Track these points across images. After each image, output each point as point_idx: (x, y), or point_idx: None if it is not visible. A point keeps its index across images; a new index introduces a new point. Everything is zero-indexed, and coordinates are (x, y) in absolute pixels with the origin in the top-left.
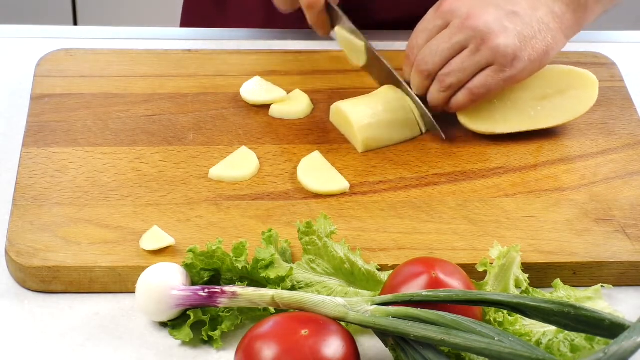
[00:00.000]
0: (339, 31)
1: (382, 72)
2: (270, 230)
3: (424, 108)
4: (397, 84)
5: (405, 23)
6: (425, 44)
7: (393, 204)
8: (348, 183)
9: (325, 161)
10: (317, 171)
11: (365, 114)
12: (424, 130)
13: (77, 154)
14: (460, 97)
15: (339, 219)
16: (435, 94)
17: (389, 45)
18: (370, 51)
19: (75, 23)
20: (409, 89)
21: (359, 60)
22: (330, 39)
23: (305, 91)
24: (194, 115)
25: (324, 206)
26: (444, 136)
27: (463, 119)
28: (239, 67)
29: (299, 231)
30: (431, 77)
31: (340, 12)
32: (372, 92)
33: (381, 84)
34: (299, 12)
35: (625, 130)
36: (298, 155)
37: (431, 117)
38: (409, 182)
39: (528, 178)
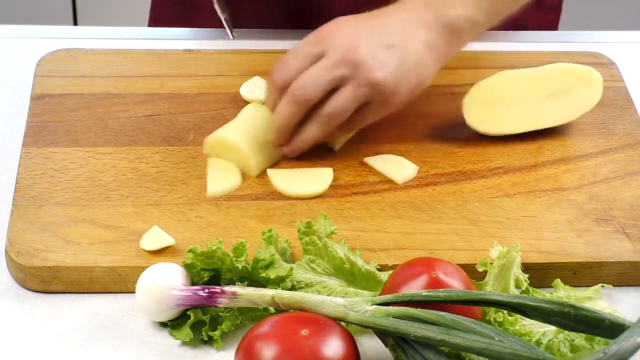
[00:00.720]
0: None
1: None
2: (270, 230)
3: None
4: None
5: None
6: (297, 70)
7: (393, 204)
8: (329, 180)
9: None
10: (292, 173)
11: (250, 137)
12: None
13: (77, 154)
14: (338, 132)
15: (339, 219)
16: (314, 131)
17: None
18: None
19: (75, 23)
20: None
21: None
22: None
23: None
24: (194, 115)
25: (324, 206)
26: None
27: (472, 122)
28: (239, 67)
29: (299, 231)
30: (306, 107)
31: None
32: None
33: None
34: (268, 8)
35: (625, 130)
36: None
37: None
38: (409, 182)
39: (528, 178)
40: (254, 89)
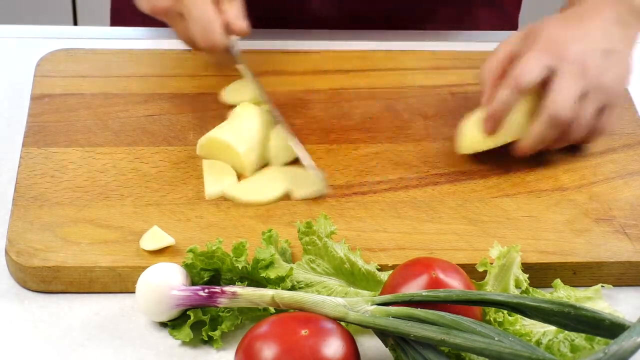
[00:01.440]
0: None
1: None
2: (270, 230)
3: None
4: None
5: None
6: (539, 77)
7: (393, 204)
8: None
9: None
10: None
11: (244, 138)
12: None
13: (77, 154)
14: (583, 141)
15: (339, 219)
16: (555, 139)
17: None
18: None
19: (75, 23)
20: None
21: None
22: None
23: (305, 91)
24: (194, 115)
25: (324, 206)
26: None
27: (486, 141)
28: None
29: (299, 231)
30: (563, 125)
31: (236, 57)
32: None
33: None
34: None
35: (625, 130)
36: None
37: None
38: (409, 182)
39: (528, 178)
40: (236, 93)
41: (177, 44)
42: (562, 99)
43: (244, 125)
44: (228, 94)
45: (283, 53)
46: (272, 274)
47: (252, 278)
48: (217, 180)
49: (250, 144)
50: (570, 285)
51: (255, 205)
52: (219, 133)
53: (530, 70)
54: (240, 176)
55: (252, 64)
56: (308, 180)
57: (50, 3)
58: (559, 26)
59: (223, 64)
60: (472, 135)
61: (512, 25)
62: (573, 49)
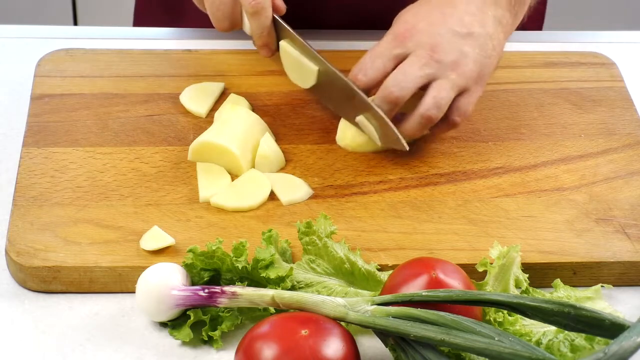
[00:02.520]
0: (285, 46)
1: (334, 93)
2: (270, 230)
3: (392, 125)
4: (363, 104)
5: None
6: (383, 71)
7: (393, 204)
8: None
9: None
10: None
11: (238, 140)
12: (379, 144)
13: (77, 154)
14: (444, 127)
15: (339, 219)
16: (414, 127)
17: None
18: (323, 73)
19: (75, 23)
20: (374, 107)
21: (305, 82)
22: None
23: (305, 91)
24: (193, 115)
25: (324, 206)
26: (407, 147)
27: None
28: (239, 67)
29: (299, 231)
30: (400, 104)
31: (287, 26)
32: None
33: (333, 105)
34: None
35: (625, 130)
36: (298, 155)
37: (397, 133)
38: (409, 182)
39: (528, 178)
40: (194, 101)
41: (177, 44)
42: (403, 79)
43: (236, 128)
44: (184, 98)
45: None
46: (272, 274)
47: (252, 278)
48: (211, 184)
49: (242, 144)
50: (570, 285)
51: (243, 211)
52: (211, 136)
53: (407, 81)
54: (234, 178)
55: (252, 64)
56: (293, 185)
57: (50, 3)
58: (418, 13)
59: (263, 40)
60: (352, 137)
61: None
62: (426, 33)
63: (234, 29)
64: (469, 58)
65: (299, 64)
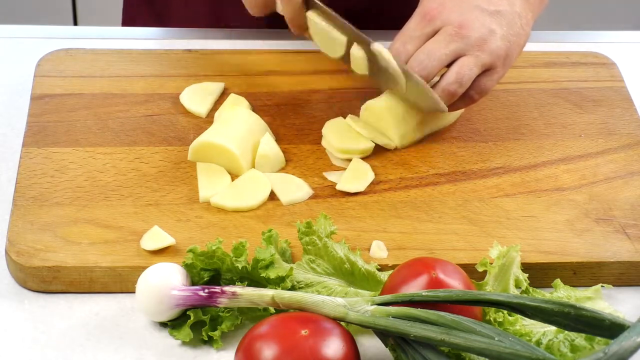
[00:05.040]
0: (312, 17)
1: (367, 61)
2: (270, 230)
3: (429, 89)
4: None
5: (374, 11)
6: (415, 50)
7: (393, 204)
8: (264, 196)
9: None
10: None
11: (238, 140)
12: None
13: (77, 154)
14: (461, 104)
15: (339, 219)
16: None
17: None
18: (351, 42)
19: (75, 23)
20: (412, 73)
21: (334, 52)
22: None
23: (305, 91)
24: (193, 115)
25: (324, 206)
26: (446, 109)
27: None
28: (239, 67)
29: (299, 231)
30: (426, 82)
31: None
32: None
33: (370, 73)
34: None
35: (625, 130)
36: (298, 155)
37: (436, 96)
38: (409, 182)
39: (528, 178)
40: (194, 101)
41: (177, 44)
42: (426, 58)
43: (236, 128)
44: (184, 98)
45: (283, 53)
46: (272, 274)
47: (252, 278)
48: (211, 184)
49: (242, 144)
50: (570, 285)
51: (243, 211)
52: (211, 136)
53: (432, 59)
54: (234, 178)
55: (252, 64)
56: (293, 185)
57: (50, 3)
58: None
59: (295, 22)
60: (337, 143)
61: None
62: (454, 10)
63: (267, 12)
64: (497, 35)
65: (327, 34)
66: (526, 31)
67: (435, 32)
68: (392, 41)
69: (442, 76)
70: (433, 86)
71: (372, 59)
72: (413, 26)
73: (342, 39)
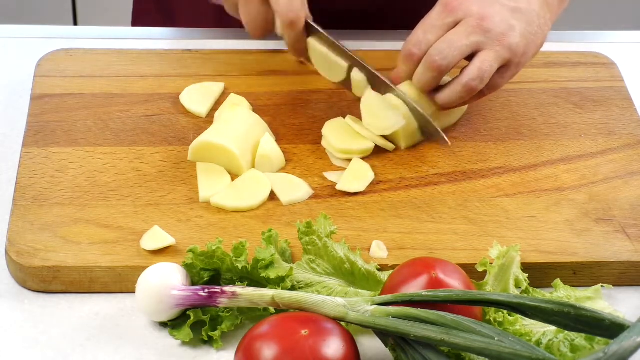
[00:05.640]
0: (313, 43)
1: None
2: (270, 230)
3: (428, 117)
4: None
5: (371, 14)
6: (436, 40)
7: (393, 204)
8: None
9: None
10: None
11: (238, 139)
12: (420, 139)
13: (77, 154)
14: (472, 99)
15: (339, 219)
16: (453, 96)
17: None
18: (352, 67)
19: (75, 23)
20: (409, 100)
21: (335, 76)
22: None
23: (305, 91)
24: (193, 115)
25: (324, 206)
26: (449, 142)
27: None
28: (239, 67)
29: (299, 231)
30: (444, 72)
31: (316, 26)
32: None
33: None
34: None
35: (625, 130)
36: (298, 155)
37: (435, 125)
38: (409, 182)
39: (528, 178)
40: (194, 101)
41: (177, 44)
42: (447, 47)
43: (236, 128)
44: (184, 98)
45: (283, 53)
46: (272, 274)
47: (252, 278)
48: (211, 184)
49: (242, 144)
50: (570, 285)
51: (243, 211)
52: (211, 136)
53: (452, 49)
54: (234, 178)
55: (252, 64)
56: (293, 185)
57: (50, 3)
58: None
59: (296, 47)
60: (338, 144)
61: None
62: (476, 2)
63: (267, 35)
64: (517, 31)
65: (328, 59)
66: (544, 31)
67: (456, 24)
68: (413, 30)
69: (462, 70)
70: (441, 88)
71: (373, 81)
72: (435, 16)
73: (344, 64)
